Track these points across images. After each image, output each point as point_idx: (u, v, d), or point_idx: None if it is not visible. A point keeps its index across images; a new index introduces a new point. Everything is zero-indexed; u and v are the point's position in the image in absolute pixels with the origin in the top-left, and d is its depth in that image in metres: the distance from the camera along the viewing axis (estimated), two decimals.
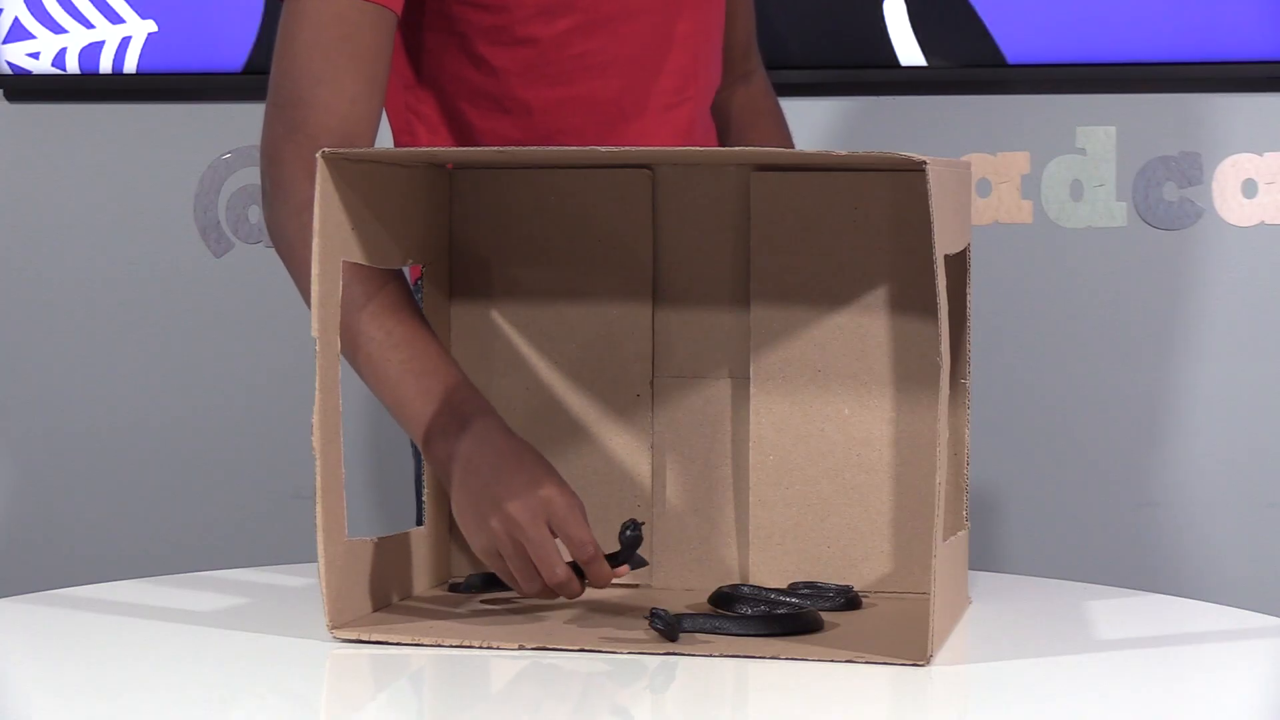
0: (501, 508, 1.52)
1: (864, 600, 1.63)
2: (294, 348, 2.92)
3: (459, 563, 1.73)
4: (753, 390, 1.68)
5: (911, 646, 1.44)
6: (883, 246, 1.65)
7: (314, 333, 1.49)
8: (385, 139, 1.85)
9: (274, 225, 1.68)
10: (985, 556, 2.76)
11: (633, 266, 1.70)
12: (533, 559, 1.52)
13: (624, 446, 1.70)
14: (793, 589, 1.61)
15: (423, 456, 1.63)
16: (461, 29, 1.79)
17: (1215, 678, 1.44)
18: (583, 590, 1.54)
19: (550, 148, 1.51)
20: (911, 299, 1.65)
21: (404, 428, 1.62)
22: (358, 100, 1.68)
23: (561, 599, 1.56)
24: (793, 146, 2.15)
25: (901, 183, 1.64)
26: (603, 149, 1.46)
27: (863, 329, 1.66)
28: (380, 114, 1.72)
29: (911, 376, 1.65)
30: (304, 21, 1.68)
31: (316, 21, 1.68)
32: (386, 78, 1.71)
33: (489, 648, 1.46)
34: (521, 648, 1.46)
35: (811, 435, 1.67)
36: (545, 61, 1.80)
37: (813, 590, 1.60)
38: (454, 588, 1.68)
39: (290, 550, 2.88)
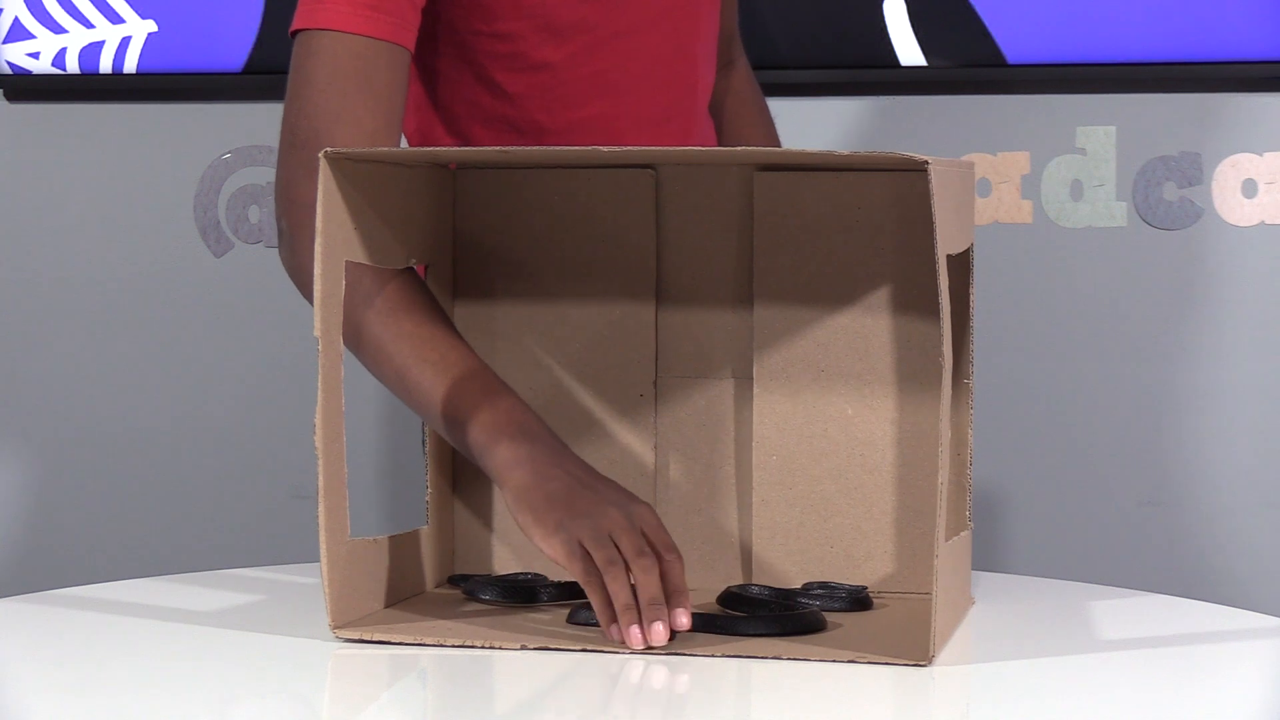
0: (626, 506, 1.51)
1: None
2: (294, 348, 2.92)
3: (463, 562, 1.73)
4: (756, 390, 1.68)
5: (914, 646, 1.44)
6: (885, 246, 1.65)
7: (316, 332, 1.49)
8: None
9: (299, 270, 1.65)
10: (988, 557, 2.76)
11: (636, 266, 1.70)
12: (630, 562, 1.48)
13: (627, 446, 1.70)
14: (806, 589, 1.61)
15: (475, 453, 1.57)
16: (477, 57, 1.79)
17: (1217, 678, 1.44)
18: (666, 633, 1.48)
19: (553, 148, 1.50)
20: (914, 299, 1.65)
21: (450, 428, 1.59)
22: (377, 137, 1.65)
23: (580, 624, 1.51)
24: (775, 132, 2.16)
25: (904, 183, 1.64)
26: (605, 149, 1.46)
27: (865, 329, 1.66)
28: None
29: (914, 376, 1.65)
30: (318, 60, 1.65)
31: (331, 60, 1.65)
32: (403, 113, 1.69)
33: (491, 648, 1.46)
34: (524, 648, 1.46)
35: (814, 435, 1.67)
36: (559, 83, 1.80)
37: (825, 591, 1.60)
38: (455, 580, 1.67)
39: (291, 551, 2.88)
